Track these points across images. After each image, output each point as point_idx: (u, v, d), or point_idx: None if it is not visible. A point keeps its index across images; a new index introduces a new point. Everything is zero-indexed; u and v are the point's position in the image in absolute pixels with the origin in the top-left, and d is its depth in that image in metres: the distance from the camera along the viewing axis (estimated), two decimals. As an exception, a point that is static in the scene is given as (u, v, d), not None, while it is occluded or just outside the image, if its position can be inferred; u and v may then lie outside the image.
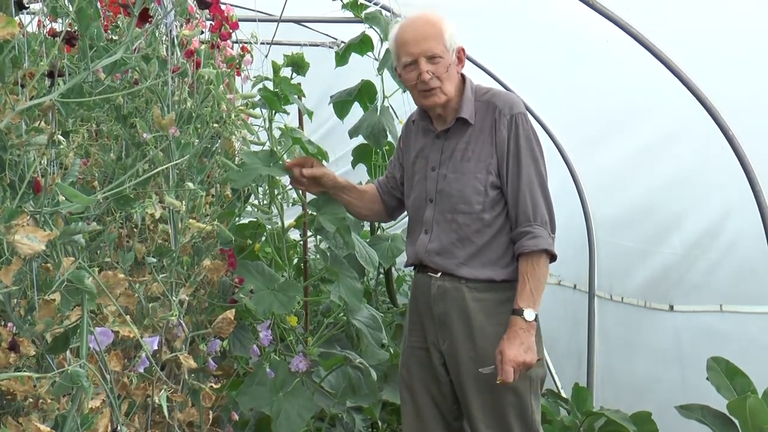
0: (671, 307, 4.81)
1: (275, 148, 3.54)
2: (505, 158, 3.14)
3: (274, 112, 3.69)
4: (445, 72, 3.15)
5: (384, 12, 4.03)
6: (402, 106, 3.94)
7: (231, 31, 3.00)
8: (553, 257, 3.17)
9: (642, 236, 5.05)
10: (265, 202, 3.80)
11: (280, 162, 3.40)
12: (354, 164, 4.62)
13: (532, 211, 3.12)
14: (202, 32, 2.87)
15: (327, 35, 6.02)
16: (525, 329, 3.08)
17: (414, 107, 3.43)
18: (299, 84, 3.83)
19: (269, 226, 3.74)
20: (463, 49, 3.23)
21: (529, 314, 3.08)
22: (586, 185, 5.36)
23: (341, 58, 4.23)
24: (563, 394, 5.16)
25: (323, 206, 3.46)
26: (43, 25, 2.20)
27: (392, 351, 4.22)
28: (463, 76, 3.29)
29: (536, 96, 5.09)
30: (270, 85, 3.69)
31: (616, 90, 4.75)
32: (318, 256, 4.97)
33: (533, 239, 3.10)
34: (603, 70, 4.70)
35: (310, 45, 5.48)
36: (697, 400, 4.04)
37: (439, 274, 3.26)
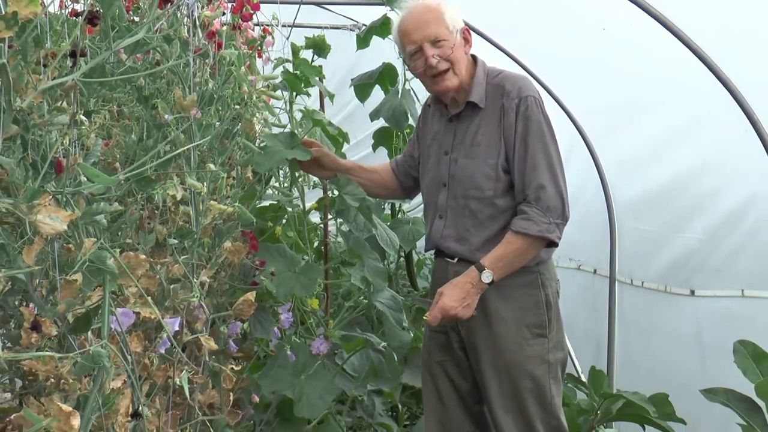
0: (692, 292, 4.78)
1: (296, 130, 3.53)
2: (512, 142, 3.10)
3: (295, 94, 3.68)
4: (451, 53, 3.13)
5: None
6: (423, 89, 3.93)
7: (252, 12, 2.99)
8: (551, 243, 3.13)
9: (663, 221, 5.02)
10: (285, 184, 3.79)
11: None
12: (375, 147, 4.62)
13: (534, 195, 3.07)
14: (224, 13, 2.85)
15: (348, 18, 6.00)
16: (475, 287, 3.07)
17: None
18: (320, 66, 3.82)
19: (291, 209, 3.74)
20: (467, 29, 3.22)
21: (486, 276, 3.05)
22: (608, 170, 5.33)
23: (363, 41, 4.22)
24: (583, 378, 5.15)
25: (345, 185, 3.46)
26: (65, 5, 2.20)
27: (412, 334, 4.21)
28: (474, 59, 3.28)
29: (559, 81, 5.06)
30: (290, 67, 3.68)
31: (639, 74, 4.71)
32: (338, 239, 4.96)
33: (526, 221, 3.05)
34: (627, 54, 4.67)
35: (332, 28, 5.48)
36: (718, 386, 4.01)
37: (456, 259, 3.25)
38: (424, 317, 3.11)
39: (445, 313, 3.04)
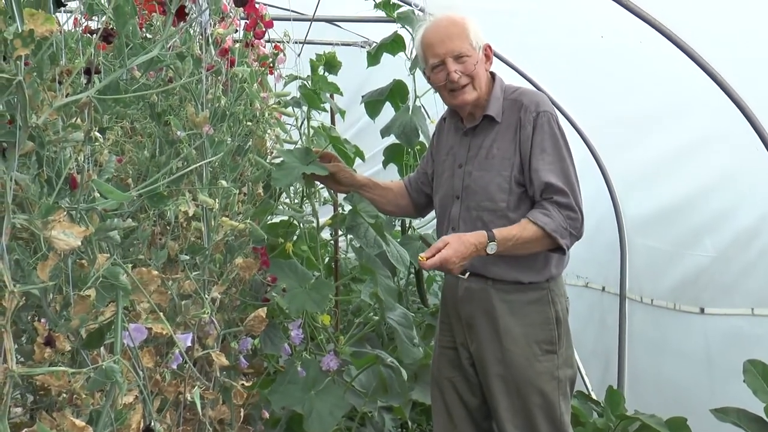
0: (702, 310, 4.78)
1: (311, 146, 3.54)
2: (528, 153, 3.10)
3: (309, 109, 3.69)
4: (473, 69, 3.15)
5: (416, 12, 4.03)
6: (434, 105, 3.94)
7: (265, 29, 3.01)
8: (558, 248, 3.09)
9: (674, 238, 5.01)
10: (296, 201, 3.80)
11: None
12: (385, 164, 4.63)
13: (555, 200, 3.06)
14: (237, 31, 2.87)
15: (359, 35, 6.03)
16: (478, 251, 3.01)
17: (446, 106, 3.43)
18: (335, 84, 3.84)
19: (303, 225, 3.74)
20: (489, 47, 3.24)
21: (491, 248, 3.01)
22: (618, 187, 5.33)
23: (373, 58, 4.23)
24: (594, 396, 5.13)
25: (359, 202, 3.48)
26: (80, 23, 2.22)
27: (422, 351, 4.21)
28: (492, 75, 3.30)
29: (569, 97, 5.07)
30: (304, 84, 3.69)
31: (649, 91, 4.72)
32: (348, 256, 4.96)
33: (545, 216, 3.03)
34: (636, 70, 4.68)
35: (342, 44, 5.49)
36: (727, 405, 3.99)
37: (467, 274, 3.24)
38: (419, 256, 3.03)
39: (445, 264, 2.97)
